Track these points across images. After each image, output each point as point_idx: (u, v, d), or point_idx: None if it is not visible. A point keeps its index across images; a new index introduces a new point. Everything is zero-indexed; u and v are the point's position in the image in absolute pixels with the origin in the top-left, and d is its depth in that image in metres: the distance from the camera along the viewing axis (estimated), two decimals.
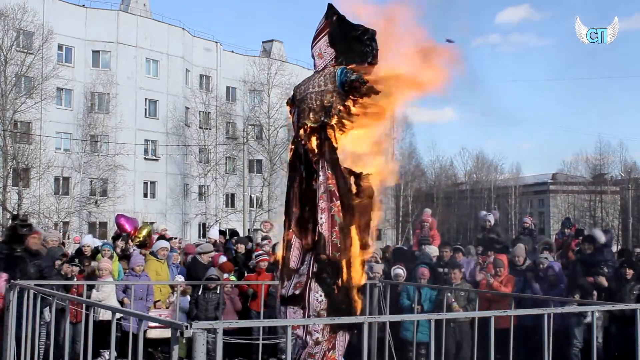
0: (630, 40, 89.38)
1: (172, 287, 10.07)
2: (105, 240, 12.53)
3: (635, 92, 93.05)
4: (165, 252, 10.80)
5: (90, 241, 11.45)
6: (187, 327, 3.73)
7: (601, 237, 10.13)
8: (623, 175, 62.48)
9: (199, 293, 9.90)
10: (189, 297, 10.04)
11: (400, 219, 57.64)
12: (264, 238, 13.01)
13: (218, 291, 9.67)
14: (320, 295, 5.10)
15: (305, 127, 5.31)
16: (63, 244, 12.80)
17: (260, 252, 11.34)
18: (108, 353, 8.30)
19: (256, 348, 8.53)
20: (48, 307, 8.30)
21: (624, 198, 61.17)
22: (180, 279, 10.52)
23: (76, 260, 10.29)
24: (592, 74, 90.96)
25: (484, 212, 13.85)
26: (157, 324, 8.54)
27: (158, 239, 12.22)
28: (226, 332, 4.32)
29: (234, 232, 14.75)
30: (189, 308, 9.92)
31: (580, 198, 61.00)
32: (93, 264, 10.37)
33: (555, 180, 67.87)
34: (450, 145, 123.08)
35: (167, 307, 10.24)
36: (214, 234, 14.08)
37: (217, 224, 45.24)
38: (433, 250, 11.20)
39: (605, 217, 58.97)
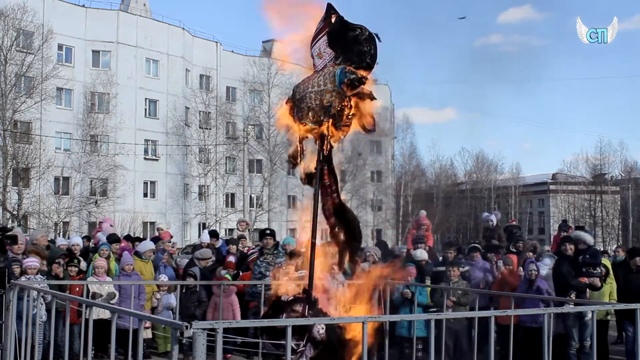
0: (630, 41, 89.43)
1: (157, 285, 10.45)
2: (102, 241, 12.57)
3: (636, 92, 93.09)
4: (149, 254, 11.05)
5: (80, 241, 11.57)
6: (187, 327, 3.73)
7: (589, 239, 10.20)
8: (623, 175, 62.49)
9: (183, 291, 10.07)
10: (173, 295, 10.09)
11: (400, 219, 57.63)
12: (239, 237, 13.04)
13: (197, 289, 10.10)
14: (322, 328, 5.20)
15: (305, 126, 5.35)
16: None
17: (252, 250, 11.41)
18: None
19: (252, 344, 8.58)
20: (44, 307, 8.32)
21: (624, 198, 61.18)
22: (164, 278, 10.63)
23: (75, 260, 10.32)
24: (593, 73, 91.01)
25: (486, 213, 14.08)
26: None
27: (152, 239, 12.56)
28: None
29: (213, 233, 14.65)
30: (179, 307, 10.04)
31: (581, 198, 60.99)
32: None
33: (555, 180, 67.86)
34: (450, 145, 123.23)
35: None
36: (206, 238, 13.97)
37: (217, 224, 45.32)
38: (421, 254, 11.06)
39: (605, 217, 58.98)
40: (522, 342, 9.13)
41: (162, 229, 14.63)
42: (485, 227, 13.48)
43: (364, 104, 5.33)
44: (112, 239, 12.01)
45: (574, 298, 8.76)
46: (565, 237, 10.67)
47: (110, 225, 14.47)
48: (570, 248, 9.72)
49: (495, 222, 13.22)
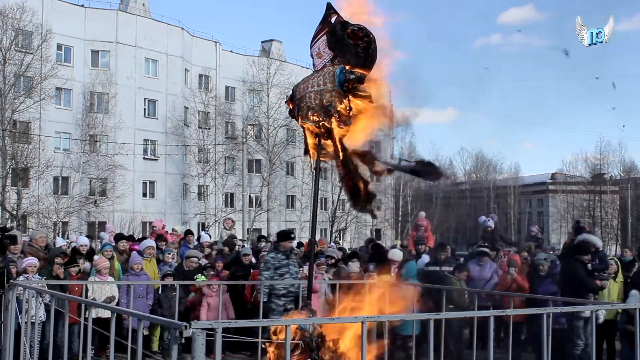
0: (631, 40, 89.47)
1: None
2: (107, 241, 12.61)
3: (635, 92, 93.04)
4: (151, 251, 11.04)
5: (87, 241, 11.59)
6: (186, 327, 3.73)
7: (599, 243, 10.30)
8: (622, 175, 62.52)
9: (160, 292, 10.19)
10: None
11: (400, 218, 57.63)
12: (230, 237, 13.06)
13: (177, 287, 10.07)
14: None
15: (305, 125, 5.35)
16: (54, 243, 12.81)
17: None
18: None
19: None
20: (43, 307, 8.32)
21: (623, 198, 61.19)
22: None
23: (77, 260, 10.33)
24: (593, 73, 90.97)
25: (484, 217, 14.18)
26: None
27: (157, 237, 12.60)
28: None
29: (188, 232, 14.77)
30: (152, 308, 10.04)
31: (580, 198, 61.01)
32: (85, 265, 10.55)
33: (554, 180, 67.87)
34: (450, 145, 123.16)
35: None
36: (206, 237, 14.24)
37: (216, 224, 45.29)
38: (397, 255, 11.42)
39: (605, 217, 59.00)
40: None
41: (176, 231, 14.83)
42: (484, 230, 13.57)
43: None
44: (119, 236, 12.10)
45: (592, 300, 8.95)
46: (579, 243, 10.62)
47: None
48: (587, 259, 9.77)
49: (493, 226, 13.38)
